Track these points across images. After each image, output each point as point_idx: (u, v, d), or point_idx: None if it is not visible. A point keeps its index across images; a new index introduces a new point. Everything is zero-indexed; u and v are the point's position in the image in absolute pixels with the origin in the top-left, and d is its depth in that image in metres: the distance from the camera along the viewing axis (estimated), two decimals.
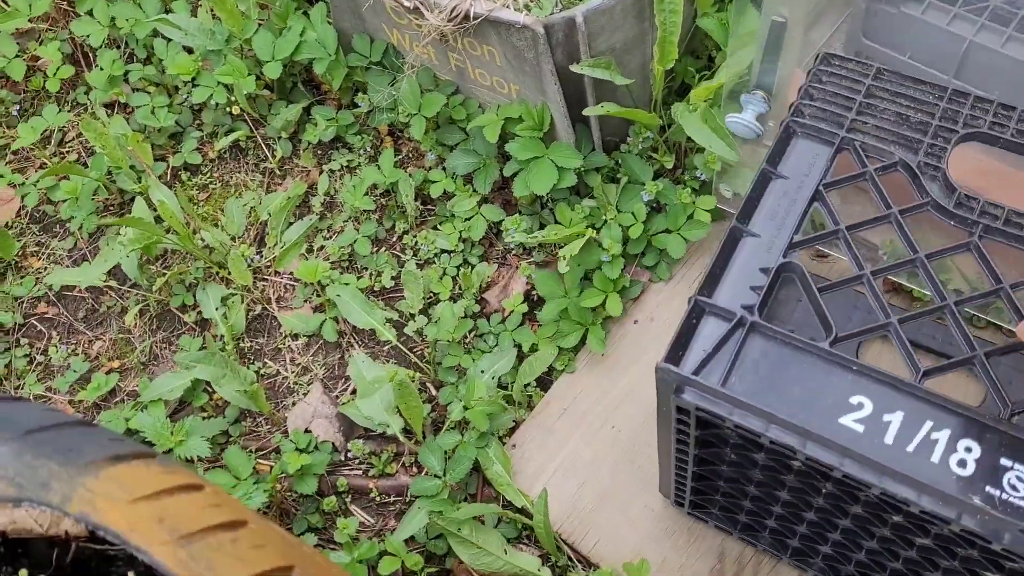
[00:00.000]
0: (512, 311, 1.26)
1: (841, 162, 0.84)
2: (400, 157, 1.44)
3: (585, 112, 1.19)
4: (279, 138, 1.46)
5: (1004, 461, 0.65)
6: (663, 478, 1.03)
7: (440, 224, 1.36)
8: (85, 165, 1.47)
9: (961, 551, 0.72)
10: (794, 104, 0.87)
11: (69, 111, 1.51)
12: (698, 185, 1.26)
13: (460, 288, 1.32)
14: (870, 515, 0.77)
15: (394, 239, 1.39)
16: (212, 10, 1.41)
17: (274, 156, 1.45)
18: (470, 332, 1.27)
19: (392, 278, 1.34)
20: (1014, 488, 0.65)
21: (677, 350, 0.73)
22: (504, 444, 1.18)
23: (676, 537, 1.08)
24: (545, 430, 1.19)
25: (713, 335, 0.73)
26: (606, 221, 1.23)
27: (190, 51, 1.44)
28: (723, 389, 0.71)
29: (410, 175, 1.38)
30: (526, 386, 1.21)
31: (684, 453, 0.86)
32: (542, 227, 1.32)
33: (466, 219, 1.34)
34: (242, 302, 1.34)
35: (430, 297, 1.31)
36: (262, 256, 1.39)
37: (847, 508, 0.79)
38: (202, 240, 1.36)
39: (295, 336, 1.33)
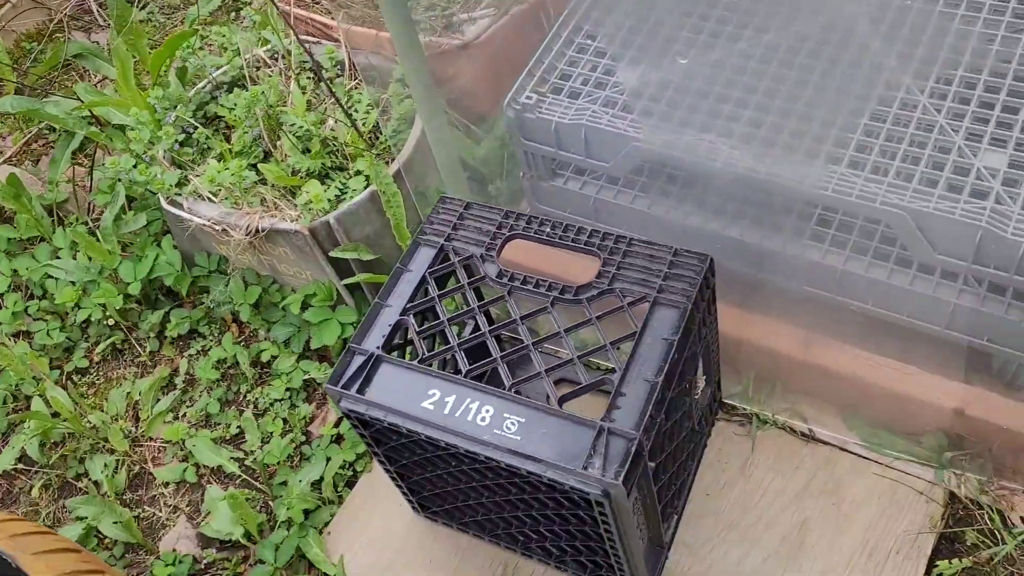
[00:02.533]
0: (323, 435, 1.69)
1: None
2: (243, 338, 1.90)
3: (345, 283, 1.68)
4: (148, 338, 1.92)
5: (505, 414, 1.14)
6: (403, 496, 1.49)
7: (272, 381, 1.81)
8: None
9: (506, 479, 1.21)
10: (420, 227, 1.37)
11: None
12: None
13: (290, 426, 1.75)
14: (478, 471, 1.25)
15: (240, 399, 1.83)
16: (87, 251, 1.90)
17: (145, 351, 1.91)
18: (296, 454, 1.69)
19: (237, 427, 1.77)
20: (508, 428, 1.13)
21: (337, 376, 1.24)
22: (321, 533, 1.58)
23: (444, 569, 1.48)
24: (351, 518, 1.60)
25: (356, 364, 1.22)
26: None
27: (74, 284, 1.91)
28: (358, 395, 1.19)
29: (247, 348, 1.84)
30: (336, 486, 1.62)
31: (378, 455, 1.33)
32: None
33: (288, 373, 1.79)
34: (123, 465, 1.75)
35: (268, 436, 1.74)
36: (138, 428, 1.81)
37: (466, 471, 1.27)
38: (89, 423, 1.78)
39: (166, 484, 1.74)
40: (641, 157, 1.48)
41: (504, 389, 1.18)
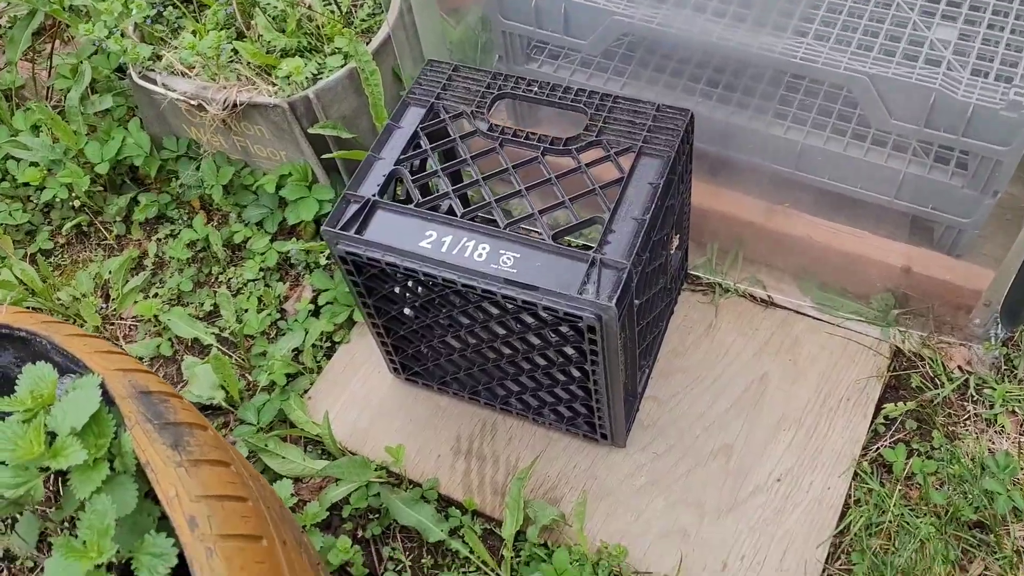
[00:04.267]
0: (299, 310, 1.73)
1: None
2: (213, 223, 1.91)
3: (323, 158, 1.71)
4: (114, 222, 1.92)
5: (501, 251, 1.20)
6: (384, 358, 1.56)
7: (245, 262, 1.83)
8: None
9: (497, 319, 1.30)
10: (408, 88, 1.42)
11: None
12: None
13: (264, 304, 1.78)
14: (468, 314, 1.34)
15: (212, 280, 1.85)
16: (51, 131, 1.87)
17: (111, 234, 1.90)
18: (272, 330, 1.73)
19: (212, 304, 1.79)
20: (504, 262, 1.20)
21: (334, 219, 1.29)
22: (302, 398, 1.62)
23: (426, 427, 1.54)
24: (331, 383, 1.64)
25: (353, 210, 1.27)
26: None
27: (37, 164, 1.89)
28: (356, 236, 1.24)
29: (219, 230, 1.85)
30: (315, 356, 1.67)
31: (368, 307, 1.39)
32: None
33: (262, 253, 1.82)
34: None
35: (243, 313, 1.76)
36: (107, 306, 1.81)
37: (455, 316, 1.35)
38: (59, 299, 1.78)
39: (141, 359, 1.75)
40: (620, 31, 1.55)
41: (500, 229, 1.25)
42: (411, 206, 1.29)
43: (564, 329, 1.28)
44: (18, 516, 0.86)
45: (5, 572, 0.96)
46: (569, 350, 1.32)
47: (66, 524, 0.90)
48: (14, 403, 0.83)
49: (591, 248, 1.22)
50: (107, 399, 0.82)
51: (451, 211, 1.30)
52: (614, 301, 1.16)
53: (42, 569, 0.95)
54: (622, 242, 1.22)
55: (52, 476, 0.88)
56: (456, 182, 1.35)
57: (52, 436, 0.80)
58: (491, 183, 1.33)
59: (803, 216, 1.58)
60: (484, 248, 1.24)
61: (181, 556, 0.79)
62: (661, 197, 1.27)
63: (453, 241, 1.25)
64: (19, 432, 0.78)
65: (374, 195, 1.31)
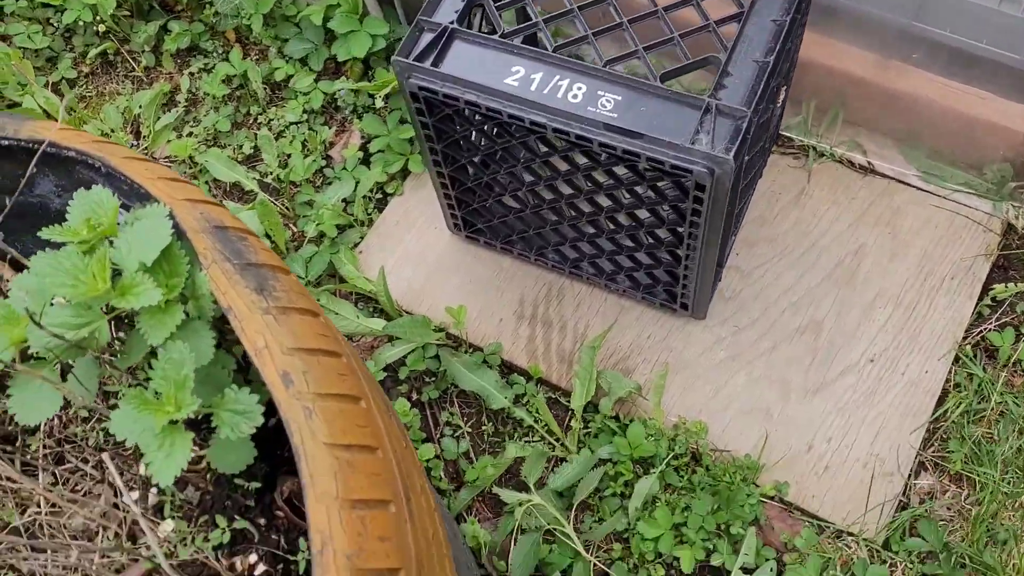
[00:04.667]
0: (347, 157, 1.59)
1: None
2: (251, 58, 1.75)
3: None
4: (143, 51, 1.75)
5: (599, 92, 1.07)
6: (444, 212, 1.44)
7: (287, 102, 1.68)
8: None
9: (585, 171, 1.19)
10: None
11: None
12: None
13: (309, 149, 1.64)
14: (550, 165, 1.22)
15: (250, 121, 1.70)
16: None
17: (139, 65, 1.74)
18: (318, 178, 1.59)
19: (252, 147, 1.65)
20: (603, 105, 1.06)
21: (405, 50, 1.14)
22: (353, 251, 1.51)
23: (488, 288, 1.44)
24: (384, 237, 1.53)
25: (427, 39, 1.13)
26: None
27: None
28: (432, 68, 1.10)
29: (257, 65, 1.69)
30: (367, 208, 1.54)
31: (435, 153, 1.26)
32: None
33: (306, 93, 1.66)
34: None
35: (285, 158, 1.62)
36: (138, 144, 1.67)
37: (535, 168, 1.24)
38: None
39: None
40: None
41: (599, 65, 1.10)
42: (495, 36, 1.13)
43: (664, 185, 1.14)
44: (71, 362, 0.76)
45: (56, 420, 0.87)
46: (664, 210, 1.20)
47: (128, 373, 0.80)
48: (66, 232, 0.71)
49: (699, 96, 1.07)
50: (177, 233, 0.70)
51: (540, 44, 1.15)
52: (732, 154, 1.02)
53: (98, 419, 0.85)
54: (740, 87, 1.07)
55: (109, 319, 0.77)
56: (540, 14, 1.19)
57: (116, 273, 0.68)
58: (584, 15, 1.16)
59: (920, 73, 1.41)
60: (580, 88, 1.09)
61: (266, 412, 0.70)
62: (785, 37, 1.11)
63: (544, 79, 1.10)
64: (80, 265, 0.67)
65: (452, 23, 1.15)
